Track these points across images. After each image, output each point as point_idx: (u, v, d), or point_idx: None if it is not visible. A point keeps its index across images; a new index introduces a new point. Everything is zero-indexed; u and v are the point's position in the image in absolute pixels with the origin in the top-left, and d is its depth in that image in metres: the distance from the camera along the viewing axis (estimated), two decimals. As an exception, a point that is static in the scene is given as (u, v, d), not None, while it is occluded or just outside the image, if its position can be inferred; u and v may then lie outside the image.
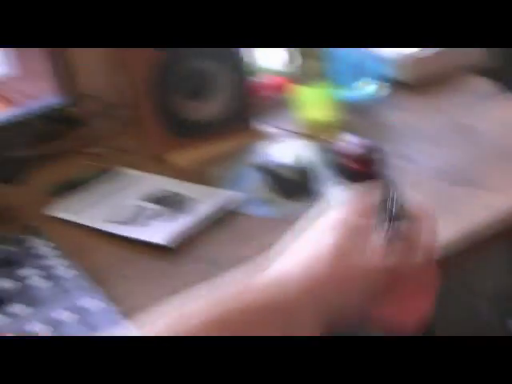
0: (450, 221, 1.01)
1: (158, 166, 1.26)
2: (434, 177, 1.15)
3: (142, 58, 1.20)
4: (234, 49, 1.25)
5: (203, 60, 1.24)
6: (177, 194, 1.17)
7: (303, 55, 1.27)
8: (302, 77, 1.29)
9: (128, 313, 0.89)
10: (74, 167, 1.28)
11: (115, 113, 1.34)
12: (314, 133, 1.28)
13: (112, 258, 1.05)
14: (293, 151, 1.19)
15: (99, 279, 0.99)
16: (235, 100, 1.28)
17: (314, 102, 1.30)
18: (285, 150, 1.20)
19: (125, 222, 1.11)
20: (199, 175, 1.21)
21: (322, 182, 1.15)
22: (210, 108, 1.28)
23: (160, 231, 1.07)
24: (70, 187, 1.22)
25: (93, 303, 0.91)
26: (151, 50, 1.18)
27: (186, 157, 1.26)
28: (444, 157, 1.19)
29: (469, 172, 1.15)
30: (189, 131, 1.27)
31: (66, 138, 1.30)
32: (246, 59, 1.29)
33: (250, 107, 1.30)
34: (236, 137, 1.29)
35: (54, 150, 1.29)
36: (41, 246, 1.04)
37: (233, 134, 1.28)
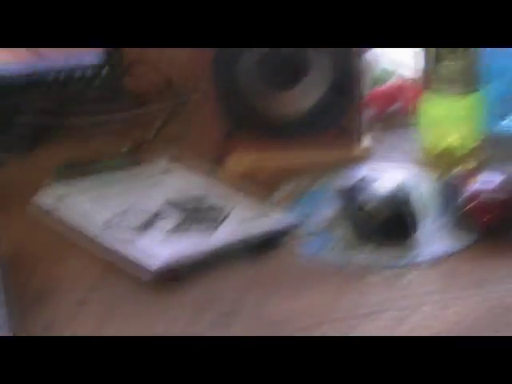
0: None
1: (211, 167, 0.90)
2: None
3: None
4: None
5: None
6: (215, 207, 0.80)
7: (443, 54, 0.88)
8: (437, 84, 0.90)
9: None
10: (102, 147, 0.95)
11: (173, 91, 1.00)
12: (439, 163, 0.89)
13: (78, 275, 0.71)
14: (399, 183, 0.79)
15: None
16: (336, 99, 0.90)
17: (448, 121, 0.91)
18: (389, 178, 0.80)
19: (128, 230, 0.76)
20: (259, 188, 0.84)
21: (427, 232, 0.76)
22: (296, 103, 0.90)
23: (163, 252, 0.71)
24: (83, 171, 0.89)
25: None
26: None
27: (250, 161, 0.90)
28: None
29: None
30: (262, 130, 0.91)
31: (102, 110, 0.97)
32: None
33: (356, 114, 0.92)
34: (326, 148, 0.91)
35: (83, 121, 0.96)
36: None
37: (323, 144, 0.91)
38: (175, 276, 0.69)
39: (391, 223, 0.74)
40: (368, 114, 0.97)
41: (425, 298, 0.66)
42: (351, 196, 0.77)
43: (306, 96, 0.90)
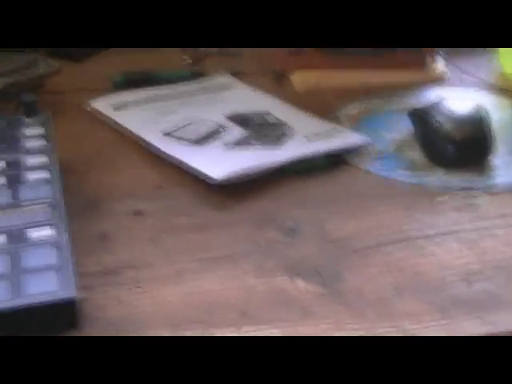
0: None
1: (273, 83, 0.87)
2: None
3: None
4: None
5: None
6: (279, 123, 0.77)
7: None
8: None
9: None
10: (162, 59, 0.91)
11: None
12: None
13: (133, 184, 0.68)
14: (476, 106, 0.74)
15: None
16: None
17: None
18: (465, 102, 0.76)
19: (189, 141, 0.73)
20: (326, 106, 0.81)
21: (502, 157, 0.72)
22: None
23: (226, 163, 0.68)
24: (142, 81, 0.86)
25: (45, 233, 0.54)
26: None
27: (317, 78, 0.86)
28: None
29: None
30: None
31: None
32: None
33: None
34: (399, 69, 0.86)
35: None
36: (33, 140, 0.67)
37: (396, 64, 0.86)
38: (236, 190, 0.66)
39: (469, 145, 0.70)
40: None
41: (498, 221, 0.62)
42: (426, 117, 0.73)
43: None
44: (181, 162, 0.69)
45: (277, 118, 0.78)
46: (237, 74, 0.89)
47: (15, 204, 0.57)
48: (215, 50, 0.93)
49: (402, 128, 0.76)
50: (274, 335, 0.49)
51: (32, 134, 0.68)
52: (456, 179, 0.68)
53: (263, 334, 0.50)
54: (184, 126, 0.77)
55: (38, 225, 0.55)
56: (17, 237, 0.53)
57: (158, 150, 0.72)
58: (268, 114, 0.79)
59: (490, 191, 0.67)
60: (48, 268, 0.50)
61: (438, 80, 0.88)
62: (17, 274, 0.50)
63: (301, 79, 0.86)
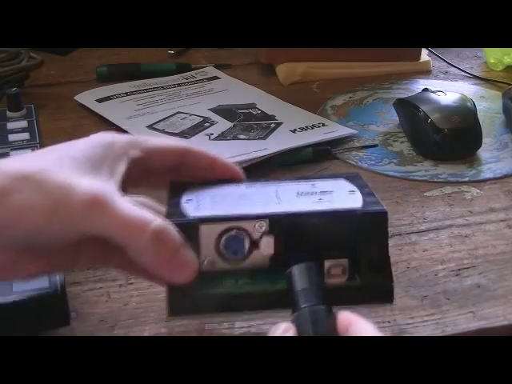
0: None
1: (259, 75, 0.87)
2: None
3: None
4: None
5: None
6: (266, 115, 0.76)
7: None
8: None
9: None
10: (146, 51, 0.91)
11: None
12: (503, 79, 0.84)
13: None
14: (463, 97, 0.74)
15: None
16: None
17: None
18: (448, 93, 0.75)
19: (173, 134, 0.72)
20: (312, 98, 0.81)
21: (490, 149, 0.72)
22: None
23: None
24: (126, 73, 0.85)
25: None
26: None
27: (302, 70, 0.85)
28: None
29: None
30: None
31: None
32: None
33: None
34: (385, 60, 0.86)
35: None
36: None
37: (382, 56, 0.86)
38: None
39: (456, 135, 0.69)
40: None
41: (488, 215, 0.62)
42: (412, 108, 0.72)
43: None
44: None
45: (263, 111, 0.77)
46: (222, 67, 0.89)
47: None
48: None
49: (389, 119, 0.76)
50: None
51: (15, 128, 0.67)
52: (444, 172, 0.68)
53: (257, 329, 0.49)
54: (168, 119, 0.76)
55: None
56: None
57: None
58: (254, 106, 0.79)
59: (479, 184, 0.66)
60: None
61: (424, 71, 0.88)
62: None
63: (286, 71, 0.85)
